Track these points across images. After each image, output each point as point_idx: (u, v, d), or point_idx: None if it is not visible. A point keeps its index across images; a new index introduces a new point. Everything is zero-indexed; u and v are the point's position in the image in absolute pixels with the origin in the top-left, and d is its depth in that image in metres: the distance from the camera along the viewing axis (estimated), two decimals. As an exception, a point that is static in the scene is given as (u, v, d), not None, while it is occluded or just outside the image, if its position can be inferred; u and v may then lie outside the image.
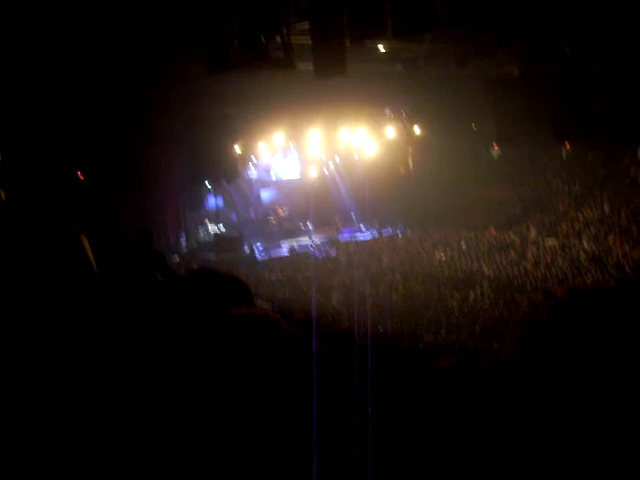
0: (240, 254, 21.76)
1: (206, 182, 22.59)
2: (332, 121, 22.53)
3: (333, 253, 21.60)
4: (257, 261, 21.44)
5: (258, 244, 22.62)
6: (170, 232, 22.11)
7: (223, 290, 2.25)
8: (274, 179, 25.01)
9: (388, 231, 23.57)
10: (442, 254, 19.64)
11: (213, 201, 23.49)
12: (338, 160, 25.34)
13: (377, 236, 23.38)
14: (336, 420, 1.94)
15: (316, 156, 24.46)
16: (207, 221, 23.12)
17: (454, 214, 21.87)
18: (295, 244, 22.69)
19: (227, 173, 21.66)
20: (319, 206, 23.46)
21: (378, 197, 24.04)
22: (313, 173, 25.00)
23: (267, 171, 24.74)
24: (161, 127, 18.53)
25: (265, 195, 24.99)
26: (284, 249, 22.51)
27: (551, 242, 19.35)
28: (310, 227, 23.44)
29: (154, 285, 2.60)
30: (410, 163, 24.43)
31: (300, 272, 18.77)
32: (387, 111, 23.69)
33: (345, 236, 23.67)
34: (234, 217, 24.38)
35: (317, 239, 22.83)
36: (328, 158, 25.08)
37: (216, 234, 22.75)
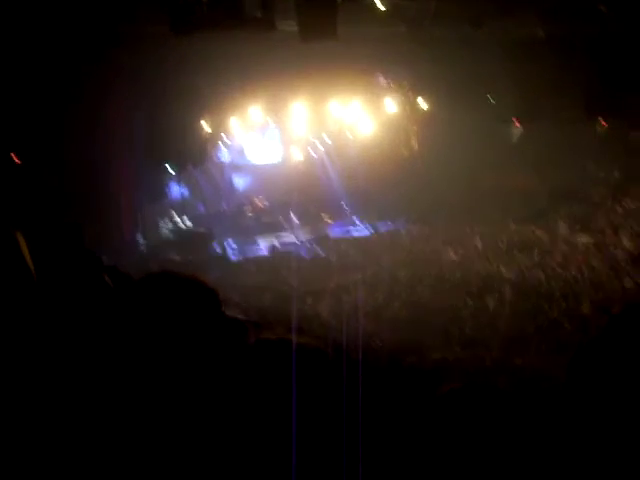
0: (209, 254, 21.75)
1: (168, 167, 22.51)
2: (320, 93, 22.52)
3: (322, 252, 21.62)
4: (230, 262, 21.43)
5: (231, 242, 22.61)
6: (125, 227, 22.03)
7: (185, 296, 2.26)
8: (250, 163, 24.98)
9: (387, 226, 23.60)
10: (453, 254, 19.70)
11: (177, 190, 23.45)
12: (327, 140, 25.34)
13: (374, 232, 23.41)
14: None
15: (301, 135, 24.46)
16: (172, 213, 23.06)
17: (467, 206, 21.93)
18: (276, 241, 22.69)
19: (193, 156, 21.60)
20: (305, 195, 23.50)
21: (375, 185, 24.08)
22: (297, 156, 25.02)
23: (241, 153, 24.71)
24: (114, 101, 18.48)
25: (239, 182, 24.96)
26: (263, 248, 22.51)
27: (584, 239, 19.45)
28: (294, 221, 23.46)
29: (103, 290, 2.60)
30: (414, 144, 24.47)
31: (282, 275, 18.76)
32: (387, 81, 23.71)
33: (336, 232, 23.69)
34: (202, 209, 24.36)
35: (302, 235, 22.85)
36: (315, 138, 25.07)
37: (181, 230, 22.71)
